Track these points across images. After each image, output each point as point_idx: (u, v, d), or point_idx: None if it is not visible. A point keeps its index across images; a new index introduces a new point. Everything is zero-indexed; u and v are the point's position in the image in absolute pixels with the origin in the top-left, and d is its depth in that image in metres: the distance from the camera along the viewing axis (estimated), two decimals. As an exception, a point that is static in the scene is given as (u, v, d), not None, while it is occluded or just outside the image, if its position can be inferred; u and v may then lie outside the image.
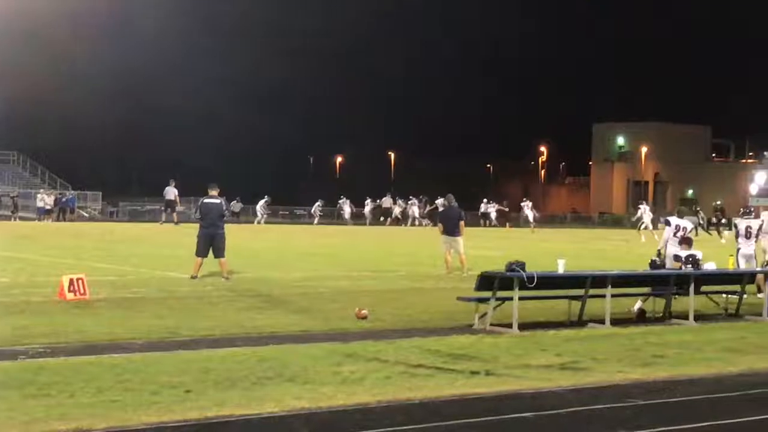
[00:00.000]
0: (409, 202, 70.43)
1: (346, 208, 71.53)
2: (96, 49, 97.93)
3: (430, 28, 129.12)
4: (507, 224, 69.04)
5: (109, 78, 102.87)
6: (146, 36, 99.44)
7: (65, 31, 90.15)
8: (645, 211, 55.53)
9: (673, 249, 18.22)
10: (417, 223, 67.79)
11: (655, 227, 54.49)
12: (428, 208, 69.30)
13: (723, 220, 54.36)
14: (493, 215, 70.60)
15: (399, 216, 70.21)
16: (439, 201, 67.35)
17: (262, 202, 66.57)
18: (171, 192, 55.17)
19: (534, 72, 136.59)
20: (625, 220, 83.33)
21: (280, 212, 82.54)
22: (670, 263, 17.93)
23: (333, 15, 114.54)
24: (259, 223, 63.51)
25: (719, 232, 50.99)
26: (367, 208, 72.48)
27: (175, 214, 54.76)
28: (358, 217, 72.72)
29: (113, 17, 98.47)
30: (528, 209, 68.46)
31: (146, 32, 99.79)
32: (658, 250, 18.55)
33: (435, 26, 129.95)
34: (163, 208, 57.46)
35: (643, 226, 53.55)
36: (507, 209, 72.92)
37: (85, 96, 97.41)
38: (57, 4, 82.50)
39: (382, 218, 70.58)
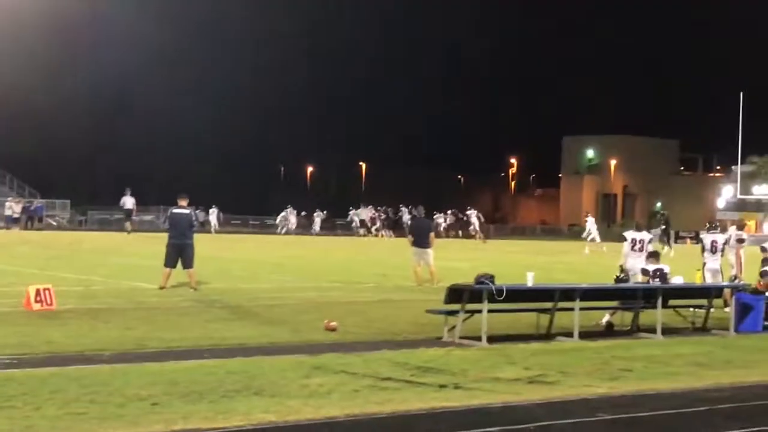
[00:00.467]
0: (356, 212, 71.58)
1: (317, 219, 72.01)
2: (68, 56, 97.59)
3: (403, 39, 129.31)
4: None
5: (81, 85, 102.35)
6: (118, 43, 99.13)
7: (37, 37, 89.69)
8: (591, 223, 56.19)
9: (634, 262, 18.31)
10: (373, 233, 68.28)
11: (602, 239, 55.36)
12: (379, 218, 69.86)
13: (670, 231, 54.38)
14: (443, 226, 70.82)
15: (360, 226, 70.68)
16: (404, 211, 68.34)
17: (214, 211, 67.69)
18: (129, 201, 55.47)
19: (505, 84, 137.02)
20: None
21: (250, 222, 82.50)
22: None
23: (307, 22, 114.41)
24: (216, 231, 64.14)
25: (667, 243, 50.49)
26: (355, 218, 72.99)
27: (129, 224, 55.02)
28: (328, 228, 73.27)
29: (86, 24, 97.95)
30: (474, 217, 68.55)
31: (118, 39, 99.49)
32: (620, 266, 18.61)
33: (406, 38, 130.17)
34: (124, 217, 57.60)
35: (589, 238, 54.12)
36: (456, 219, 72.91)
37: (55, 103, 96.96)
38: (30, 11, 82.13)
39: (361, 229, 70.73)
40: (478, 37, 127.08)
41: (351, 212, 74.44)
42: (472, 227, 68.82)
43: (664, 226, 53.27)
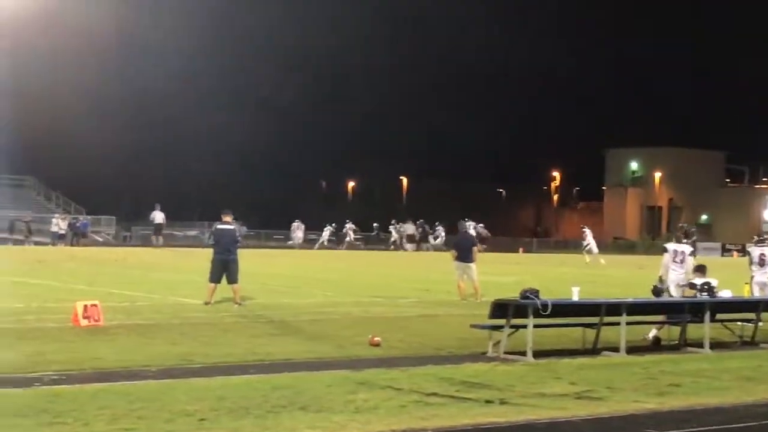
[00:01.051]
0: (398, 227, 71.28)
1: (350, 233, 72.15)
2: (112, 74, 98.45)
3: (442, 50, 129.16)
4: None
5: (125, 102, 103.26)
6: (160, 59, 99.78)
7: (80, 55, 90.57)
8: (588, 235, 56.34)
9: (674, 274, 18.15)
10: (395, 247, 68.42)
11: (647, 252, 55.15)
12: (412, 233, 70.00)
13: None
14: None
15: (397, 241, 70.59)
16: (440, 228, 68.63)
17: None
18: (159, 216, 57.03)
19: (548, 96, 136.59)
20: (639, 246, 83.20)
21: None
22: (674, 289, 17.87)
23: (346, 36, 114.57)
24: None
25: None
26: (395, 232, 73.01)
27: (160, 238, 56.34)
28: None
29: (126, 41, 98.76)
30: (471, 229, 68.72)
31: (160, 55, 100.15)
32: (660, 277, 18.46)
33: (447, 47, 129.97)
34: (153, 232, 58.45)
35: (587, 249, 54.40)
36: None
37: (100, 120, 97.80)
38: (72, 30, 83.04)
39: (408, 245, 70.72)
40: (519, 49, 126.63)
41: (393, 226, 74.40)
42: (439, 240, 69.66)
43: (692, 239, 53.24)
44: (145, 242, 69.34)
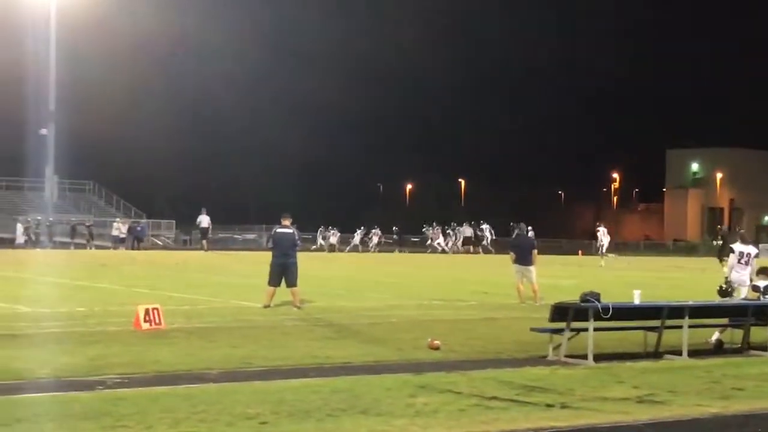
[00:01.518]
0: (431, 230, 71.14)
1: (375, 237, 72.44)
2: (173, 80, 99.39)
3: (501, 52, 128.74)
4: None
5: (185, 107, 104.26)
6: (218, 63, 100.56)
7: (140, 60, 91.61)
8: (603, 234, 55.58)
9: (740, 275, 17.94)
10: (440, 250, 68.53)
11: (611, 250, 54.66)
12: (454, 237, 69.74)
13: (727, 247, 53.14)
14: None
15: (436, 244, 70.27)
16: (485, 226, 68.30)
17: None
18: (205, 220, 58.21)
19: (607, 97, 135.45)
20: (700, 248, 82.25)
21: (349, 240, 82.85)
22: (737, 289, 17.65)
23: (404, 41, 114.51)
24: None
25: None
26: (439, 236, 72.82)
27: (205, 242, 57.75)
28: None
29: (187, 45, 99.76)
30: (487, 231, 68.97)
31: (218, 59, 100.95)
32: (726, 278, 18.24)
33: (506, 49, 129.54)
34: (200, 236, 59.93)
35: (603, 249, 53.68)
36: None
37: (160, 126, 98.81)
38: (132, 35, 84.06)
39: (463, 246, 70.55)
40: (579, 50, 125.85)
41: (452, 229, 74.33)
42: (485, 241, 69.13)
43: (722, 242, 52.44)
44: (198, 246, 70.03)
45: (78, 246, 62.45)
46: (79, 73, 77.77)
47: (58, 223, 66.87)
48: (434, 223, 72.47)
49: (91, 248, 60.72)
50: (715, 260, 48.44)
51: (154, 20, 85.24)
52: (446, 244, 70.35)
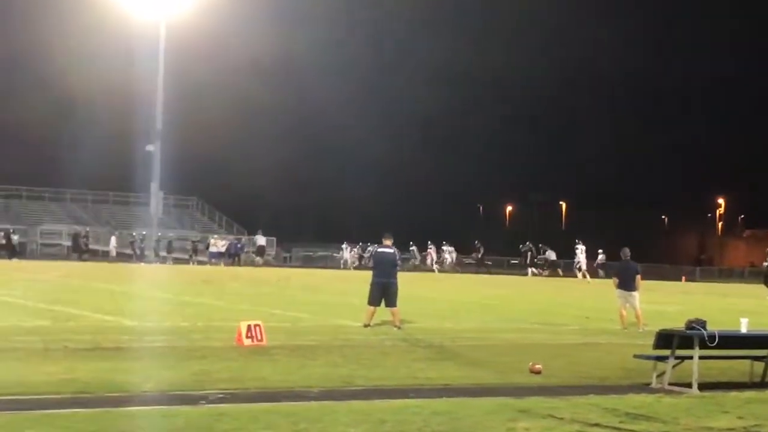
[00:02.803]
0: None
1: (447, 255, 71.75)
2: (275, 97, 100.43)
3: (604, 77, 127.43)
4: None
5: (286, 124, 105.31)
6: (325, 80, 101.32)
7: (246, 77, 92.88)
8: (581, 252, 54.44)
9: None
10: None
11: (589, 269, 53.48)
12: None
13: None
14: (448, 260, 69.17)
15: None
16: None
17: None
18: (261, 239, 65.57)
19: (711, 120, 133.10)
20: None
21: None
22: None
23: (504, 60, 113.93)
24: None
25: None
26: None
27: (260, 258, 63.24)
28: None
29: (284, 62, 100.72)
30: (446, 254, 69.07)
31: (325, 76, 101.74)
32: None
33: (609, 73, 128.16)
34: (255, 252, 65.35)
35: (577, 266, 52.71)
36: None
37: (263, 142, 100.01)
38: (239, 52, 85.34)
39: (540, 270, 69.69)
40: (674, 67, 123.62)
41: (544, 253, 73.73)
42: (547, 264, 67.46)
43: None
44: (305, 263, 70.65)
45: (176, 261, 63.56)
46: (187, 90, 79.18)
47: (163, 238, 68.22)
48: (429, 242, 71.55)
49: (193, 263, 61.72)
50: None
51: (261, 37, 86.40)
52: (439, 263, 69.32)
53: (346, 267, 68.87)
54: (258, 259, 63.57)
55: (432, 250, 71.05)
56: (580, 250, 57.55)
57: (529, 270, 66.92)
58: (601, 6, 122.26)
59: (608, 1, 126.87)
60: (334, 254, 79.75)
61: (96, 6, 68.28)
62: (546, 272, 66.84)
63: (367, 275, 22.17)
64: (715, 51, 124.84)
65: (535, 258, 68.46)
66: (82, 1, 72.55)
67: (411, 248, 72.41)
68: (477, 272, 65.59)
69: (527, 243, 69.53)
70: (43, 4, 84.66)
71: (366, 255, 67.16)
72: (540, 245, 69.91)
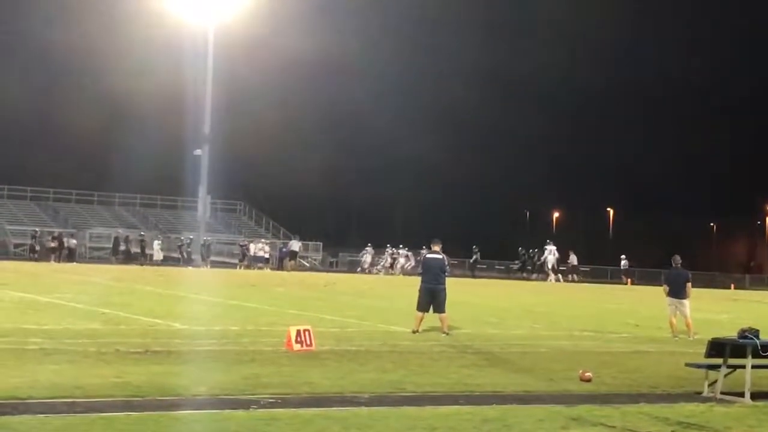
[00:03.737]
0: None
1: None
2: (316, 97, 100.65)
3: (651, 77, 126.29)
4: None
5: (332, 129, 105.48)
6: (372, 84, 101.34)
7: (294, 81, 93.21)
8: (551, 252, 53.75)
9: None
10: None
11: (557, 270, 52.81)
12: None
13: None
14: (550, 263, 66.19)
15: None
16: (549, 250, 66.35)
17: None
18: (295, 244, 66.04)
19: (764, 126, 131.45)
20: None
21: (496, 266, 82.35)
22: None
23: (560, 63, 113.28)
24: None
25: None
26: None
27: (293, 262, 64.27)
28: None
29: (328, 65, 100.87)
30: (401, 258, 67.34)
31: (373, 80, 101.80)
32: None
33: (657, 79, 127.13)
34: (289, 258, 65.25)
35: (549, 266, 52.22)
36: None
37: (309, 146, 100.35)
38: (286, 56, 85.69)
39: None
40: (721, 71, 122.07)
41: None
42: (549, 265, 64.99)
43: None
44: (351, 268, 70.71)
45: (229, 266, 63.97)
46: (234, 95, 79.68)
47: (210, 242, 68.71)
48: (389, 245, 70.06)
49: (240, 268, 62.04)
50: None
51: (307, 41, 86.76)
52: (382, 266, 68.52)
53: (363, 271, 68.07)
54: (291, 263, 63.50)
55: (390, 254, 69.47)
56: (549, 251, 57.29)
57: (551, 276, 66.17)
58: (641, 7, 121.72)
59: (648, 3, 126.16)
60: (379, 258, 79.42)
61: (145, 12, 69.11)
62: (577, 277, 66.57)
63: (403, 281, 22.17)
64: (761, 54, 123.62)
65: (528, 265, 67.93)
66: (132, 8, 73.40)
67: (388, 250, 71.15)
68: (463, 275, 64.37)
69: (520, 249, 69.39)
70: (94, 12, 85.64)
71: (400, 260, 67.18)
72: (535, 250, 69.18)
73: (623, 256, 76.62)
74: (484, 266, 75.72)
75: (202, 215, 69.49)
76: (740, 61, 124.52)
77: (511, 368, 16.05)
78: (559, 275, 64.17)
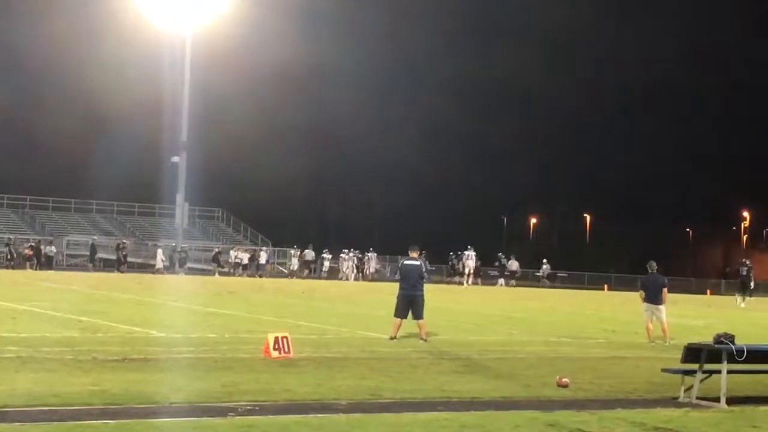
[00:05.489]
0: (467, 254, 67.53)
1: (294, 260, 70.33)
2: (295, 105, 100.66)
3: (629, 88, 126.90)
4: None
5: (309, 135, 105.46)
6: (350, 91, 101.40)
7: (265, 88, 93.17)
8: (470, 258, 54.24)
9: None
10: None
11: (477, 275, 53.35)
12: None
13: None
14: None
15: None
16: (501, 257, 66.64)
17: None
18: (309, 254, 68.89)
19: (738, 132, 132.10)
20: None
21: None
22: None
23: (530, 71, 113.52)
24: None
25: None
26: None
27: (308, 271, 67.13)
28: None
29: (308, 73, 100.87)
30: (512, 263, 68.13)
31: (351, 87, 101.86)
32: None
33: (635, 85, 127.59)
34: (302, 266, 67.80)
35: (467, 270, 52.90)
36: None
37: (286, 153, 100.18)
38: (263, 63, 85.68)
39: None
40: (699, 78, 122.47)
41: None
42: (468, 270, 63.42)
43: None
44: (331, 275, 70.50)
45: (206, 273, 63.86)
46: (212, 102, 79.66)
47: (189, 249, 68.59)
48: (351, 249, 69.48)
49: (215, 275, 61.93)
50: None
51: (285, 50, 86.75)
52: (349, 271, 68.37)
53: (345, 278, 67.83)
54: (307, 272, 66.72)
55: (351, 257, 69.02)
56: (467, 256, 57.77)
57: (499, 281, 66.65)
58: (616, 11, 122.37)
59: (625, 7, 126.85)
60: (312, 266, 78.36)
61: (122, 19, 68.79)
62: (512, 282, 66.95)
63: (375, 287, 22.21)
64: (734, 62, 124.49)
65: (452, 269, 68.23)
66: (109, 15, 73.09)
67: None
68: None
69: (499, 254, 69.57)
70: (72, 19, 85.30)
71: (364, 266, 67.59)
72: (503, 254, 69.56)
73: (544, 260, 77.15)
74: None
75: (179, 222, 69.28)
76: (717, 67, 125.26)
77: (489, 374, 16.10)
78: (478, 279, 64.72)
